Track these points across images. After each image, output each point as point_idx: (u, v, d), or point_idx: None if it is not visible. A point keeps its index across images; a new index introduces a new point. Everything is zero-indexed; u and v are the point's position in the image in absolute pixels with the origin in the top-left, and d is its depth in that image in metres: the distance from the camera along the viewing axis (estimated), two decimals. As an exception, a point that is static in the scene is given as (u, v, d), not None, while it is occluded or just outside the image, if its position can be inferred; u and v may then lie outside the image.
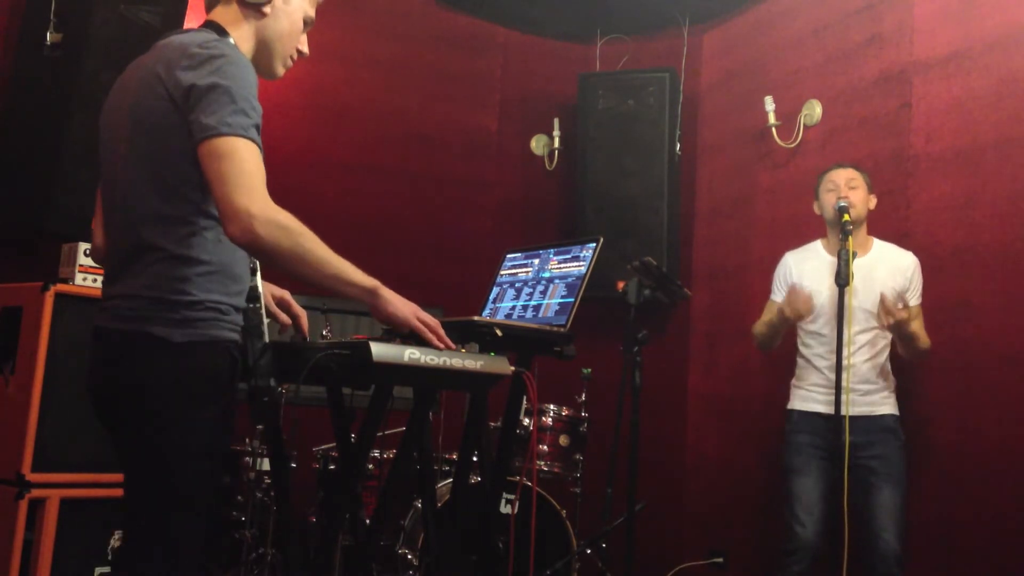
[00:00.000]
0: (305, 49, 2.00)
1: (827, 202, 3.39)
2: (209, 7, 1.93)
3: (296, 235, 1.67)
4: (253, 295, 1.80)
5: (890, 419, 3.31)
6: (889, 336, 3.32)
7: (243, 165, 1.65)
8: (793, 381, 3.49)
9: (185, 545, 1.74)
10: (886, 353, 3.35)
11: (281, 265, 1.71)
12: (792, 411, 3.45)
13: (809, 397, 3.39)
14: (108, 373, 1.76)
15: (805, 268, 3.45)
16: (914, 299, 3.36)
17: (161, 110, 1.71)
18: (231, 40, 1.84)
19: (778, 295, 3.51)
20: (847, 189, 3.35)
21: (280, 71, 1.98)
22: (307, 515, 3.87)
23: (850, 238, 3.11)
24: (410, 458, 2.42)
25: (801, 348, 3.46)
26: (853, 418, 3.15)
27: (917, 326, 3.28)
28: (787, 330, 3.49)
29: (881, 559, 3.14)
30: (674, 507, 4.66)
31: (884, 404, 3.32)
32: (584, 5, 4.93)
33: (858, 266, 3.17)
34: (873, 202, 3.44)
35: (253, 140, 1.68)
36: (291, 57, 1.98)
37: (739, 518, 4.34)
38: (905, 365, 3.45)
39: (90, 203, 2.03)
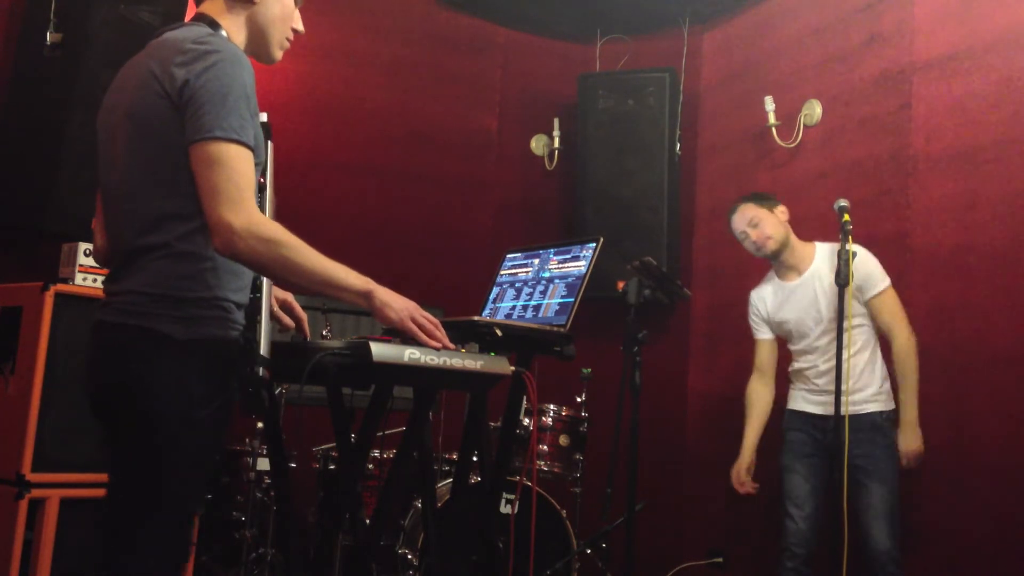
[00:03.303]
0: (300, 27, 1.97)
1: (747, 247, 3.49)
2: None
3: (279, 247, 1.66)
4: (255, 284, 1.79)
5: (877, 416, 3.28)
6: (871, 334, 3.33)
7: (231, 174, 1.64)
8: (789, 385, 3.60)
9: (167, 547, 1.72)
10: (869, 350, 3.32)
11: (267, 276, 1.72)
12: (786, 410, 3.55)
13: (800, 398, 3.50)
14: (108, 367, 1.74)
15: (769, 300, 3.55)
16: (874, 290, 3.29)
17: (158, 108, 1.70)
18: (224, 33, 1.82)
19: (759, 333, 3.64)
20: (752, 230, 3.42)
21: (278, 55, 1.96)
22: (307, 515, 3.87)
23: (849, 237, 3.10)
24: (410, 458, 2.42)
25: (793, 365, 3.55)
26: (838, 418, 3.14)
27: (907, 353, 3.29)
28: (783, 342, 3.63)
29: (873, 558, 3.14)
30: (674, 507, 4.66)
31: (871, 402, 3.29)
32: (584, 5, 4.93)
33: (813, 276, 3.35)
34: (784, 213, 3.46)
35: (245, 143, 1.67)
36: (287, 39, 1.96)
37: (739, 518, 4.34)
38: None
39: (90, 203, 2.03)
